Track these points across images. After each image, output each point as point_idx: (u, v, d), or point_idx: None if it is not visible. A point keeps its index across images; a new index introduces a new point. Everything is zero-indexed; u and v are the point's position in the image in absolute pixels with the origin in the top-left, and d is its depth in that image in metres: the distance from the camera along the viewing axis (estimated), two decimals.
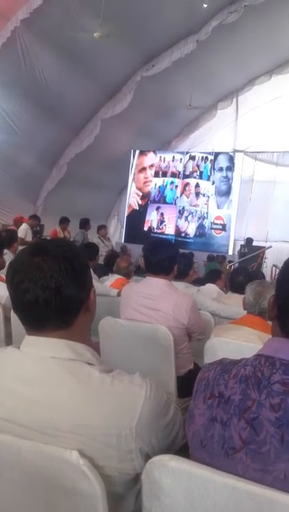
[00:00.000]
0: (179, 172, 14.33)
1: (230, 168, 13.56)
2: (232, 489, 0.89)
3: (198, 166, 14.06)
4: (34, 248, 1.13)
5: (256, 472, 0.92)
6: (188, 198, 14.18)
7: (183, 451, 1.10)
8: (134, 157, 14.69)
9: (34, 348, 1.11)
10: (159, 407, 1.08)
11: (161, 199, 14.63)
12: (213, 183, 13.75)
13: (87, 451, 0.99)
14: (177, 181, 14.35)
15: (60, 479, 0.98)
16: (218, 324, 3.03)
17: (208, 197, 13.79)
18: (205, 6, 9.83)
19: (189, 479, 0.94)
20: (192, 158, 14.23)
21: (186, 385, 2.16)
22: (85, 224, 9.58)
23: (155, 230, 14.62)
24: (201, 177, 14.01)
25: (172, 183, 14.44)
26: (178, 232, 14.24)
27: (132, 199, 15.04)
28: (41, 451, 0.99)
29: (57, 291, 1.07)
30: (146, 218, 14.76)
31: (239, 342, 2.09)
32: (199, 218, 13.98)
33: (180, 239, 13.90)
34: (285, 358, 0.99)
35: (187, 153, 14.53)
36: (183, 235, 14.18)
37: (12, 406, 1.07)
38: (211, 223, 13.77)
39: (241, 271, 4.35)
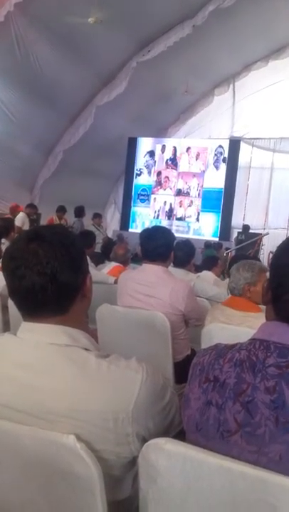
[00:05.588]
0: (176, 158, 14.25)
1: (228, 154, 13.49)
2: (227, 471, 0.90)
3: (195, 153, 13.98)
4: (30, 234, 1.13)
5: (251, 454, 0.93)
6: (185, 184, 14.14)
7: (179, 436, 1.11)
8: (130, 144, 14.60)
9: (31, 334, 1.11)
10: (156, 391, 1.09)
11: (158, 186, 14.57)
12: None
13: (85, 436, 1.00)
14: (174, 168, 14.28)
15: (57, 463, 0.99)
16: None
17: None
18: None
19: (185, 462, 0.95)
20: (189, 144, 14.15)
21: (183, 370, 2.17)
22: (81, 212, 9.61)
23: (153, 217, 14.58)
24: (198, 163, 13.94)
25: (169, 169, 14.38)
26: (175, 219, 14.21)
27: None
28: (39, 436, 1.00)
29: (53, 277, 1.08)
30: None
31: (236, 328, 2.10)
32: (197, 205, 13.95)
33: (177, 226, 13.87)
34: (279, 341, 0.99)
35: (184, 139, 14.44)
36: (180, 221, 14.15)
37: (9, 392, 1.07)
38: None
39: (240, 258, 4.36)
